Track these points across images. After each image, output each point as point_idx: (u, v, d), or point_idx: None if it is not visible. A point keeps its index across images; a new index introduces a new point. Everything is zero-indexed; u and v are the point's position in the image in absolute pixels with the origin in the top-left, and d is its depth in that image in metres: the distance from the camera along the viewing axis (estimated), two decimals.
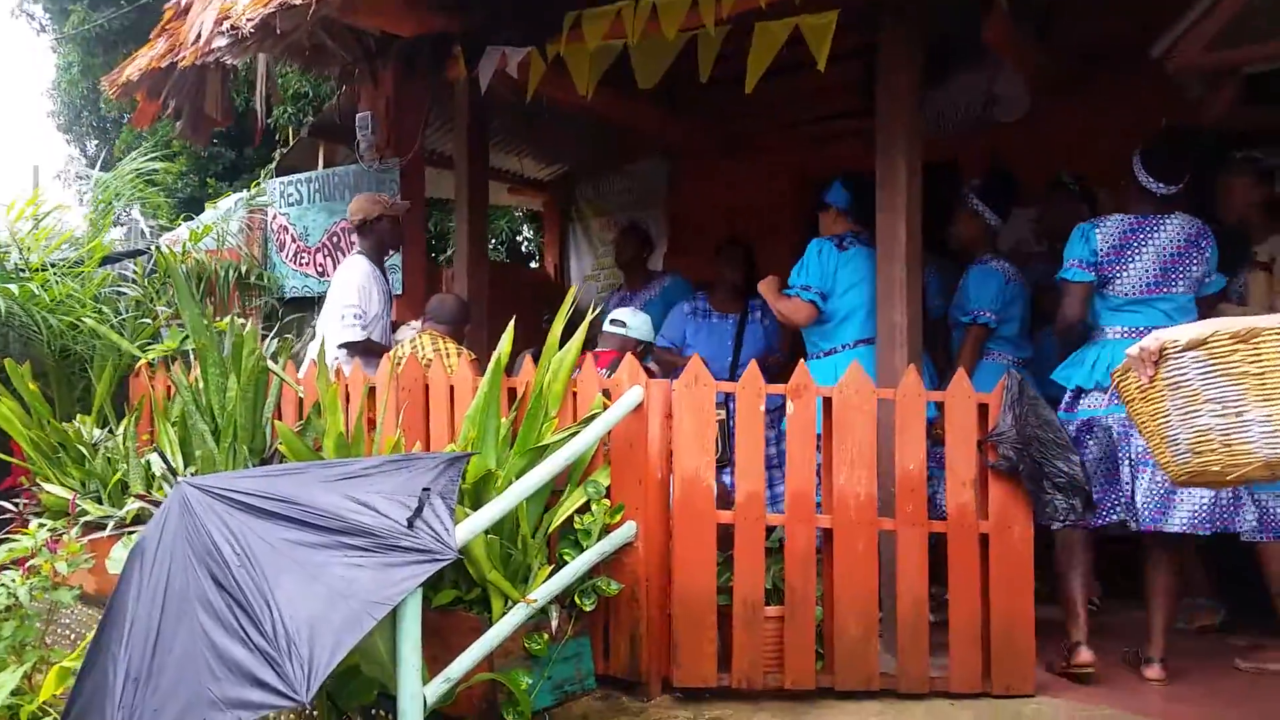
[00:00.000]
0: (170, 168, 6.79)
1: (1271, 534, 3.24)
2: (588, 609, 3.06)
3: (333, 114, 5.99)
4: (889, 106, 3.57)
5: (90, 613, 3.69)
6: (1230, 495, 3.17)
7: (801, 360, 3.38)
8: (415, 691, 2.46)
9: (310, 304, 5.79)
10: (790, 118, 5.77)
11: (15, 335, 4.88)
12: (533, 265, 9.73)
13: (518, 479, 2.97)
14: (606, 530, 3.10)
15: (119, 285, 5.36)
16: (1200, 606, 3.89)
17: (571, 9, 3.85)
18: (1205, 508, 3.17)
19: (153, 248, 5.74)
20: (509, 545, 3.02)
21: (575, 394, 3.31)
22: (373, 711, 2.75)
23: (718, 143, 6.16)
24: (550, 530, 3.13)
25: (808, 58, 3.54)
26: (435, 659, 2.66)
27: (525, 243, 10.61)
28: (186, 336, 4.36)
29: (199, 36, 4.13)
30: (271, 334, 4.93)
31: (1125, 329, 3.38)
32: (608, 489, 3.17)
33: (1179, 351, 1.98)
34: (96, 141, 15.01)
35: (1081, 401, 3.39)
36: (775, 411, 3.87)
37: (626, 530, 3.12)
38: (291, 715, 2.75)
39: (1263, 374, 1.90)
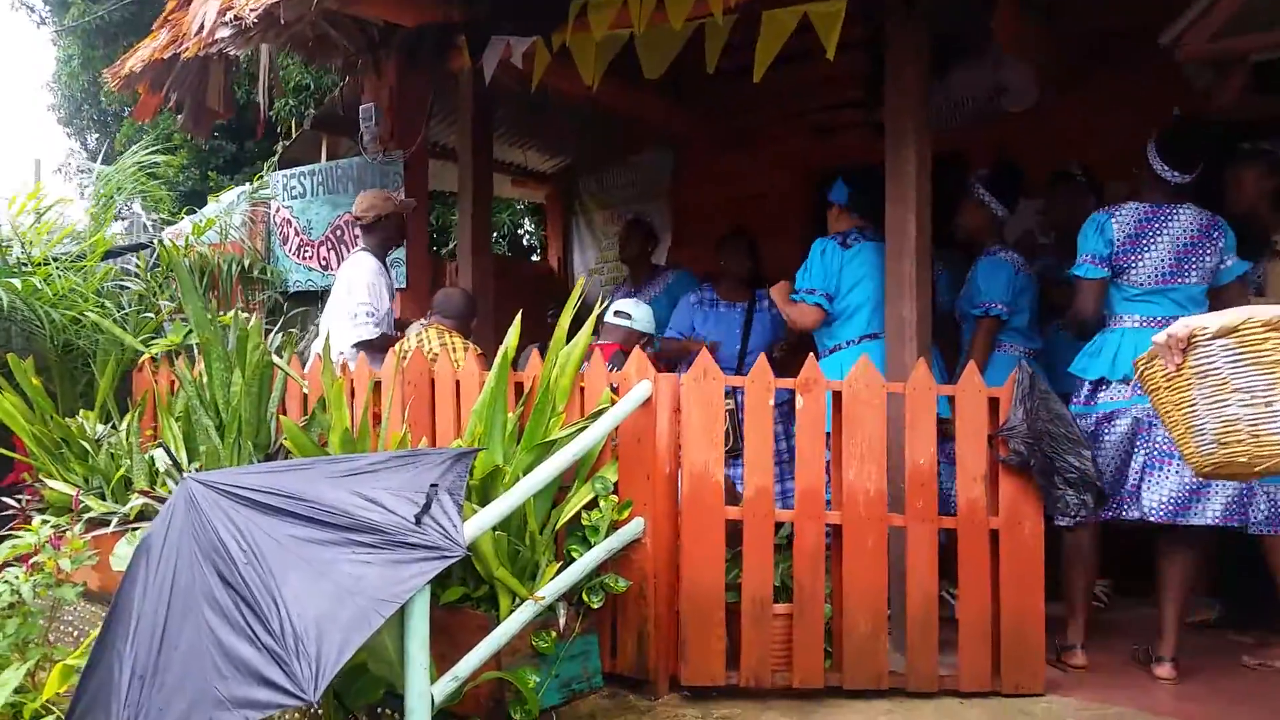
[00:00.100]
0: (172, 161, 6.77)
1: None
2: (595, 606, 3.03)
3: (335, 106, 5.95)
4: (898, 98, 3.54)
5: (94, 610, 3.67)
6: (1247, 487, 3.15)
7: (811, 354, 3.34)
8: (423, 690, 2.44)
9: (314, 298, 5.76)
10: (795, 109, 5.73)
11: (18, 330, 4.86)
12: (534, 259, 9.70)
13: (525, 475, 2.95)
14: (614, 526, 3.07)
15: (121, 280, 5.34)
16: (1198, 602, 3.86)
17: None
18: (1235, 500, 3.15)
19: (155, 242, 5.71)
20: (516, 542, 3.00)
21: (582, 388, 3.29)
22: (379, 710, 2.74)
23: (722, 134, 6.12)
24: (558, 526, 3.10)
25: (813, 48, 3.50)
26: (443, 657, 2.64)
27: (527, 236, 10.57)
28: (190, 331, 4.34)
29: (202, 27, 4.10)
30: (276, 328, 4.91)
31: (1142, 318, 3.35)
32: (615, 485, 3.15)
33: (1208, 339, 1.94)
34: (97, 135, 14.97)
35: (1102, 393, 3.35)
36: (782, 405, 3.85)
37: (634, 527, 3.10)
38: (298, 714, 2.73)
39: None
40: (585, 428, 3.09)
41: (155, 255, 5.52)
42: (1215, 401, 1.92)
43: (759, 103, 5.54)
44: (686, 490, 3.14)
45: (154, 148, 6.12)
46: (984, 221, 4.05)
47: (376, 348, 4.35)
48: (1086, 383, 3.40)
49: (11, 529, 3.62)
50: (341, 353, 4.25)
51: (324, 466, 2.67)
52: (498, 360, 3.22)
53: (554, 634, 2.93)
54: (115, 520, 3.77)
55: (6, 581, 2.92)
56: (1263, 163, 3.65)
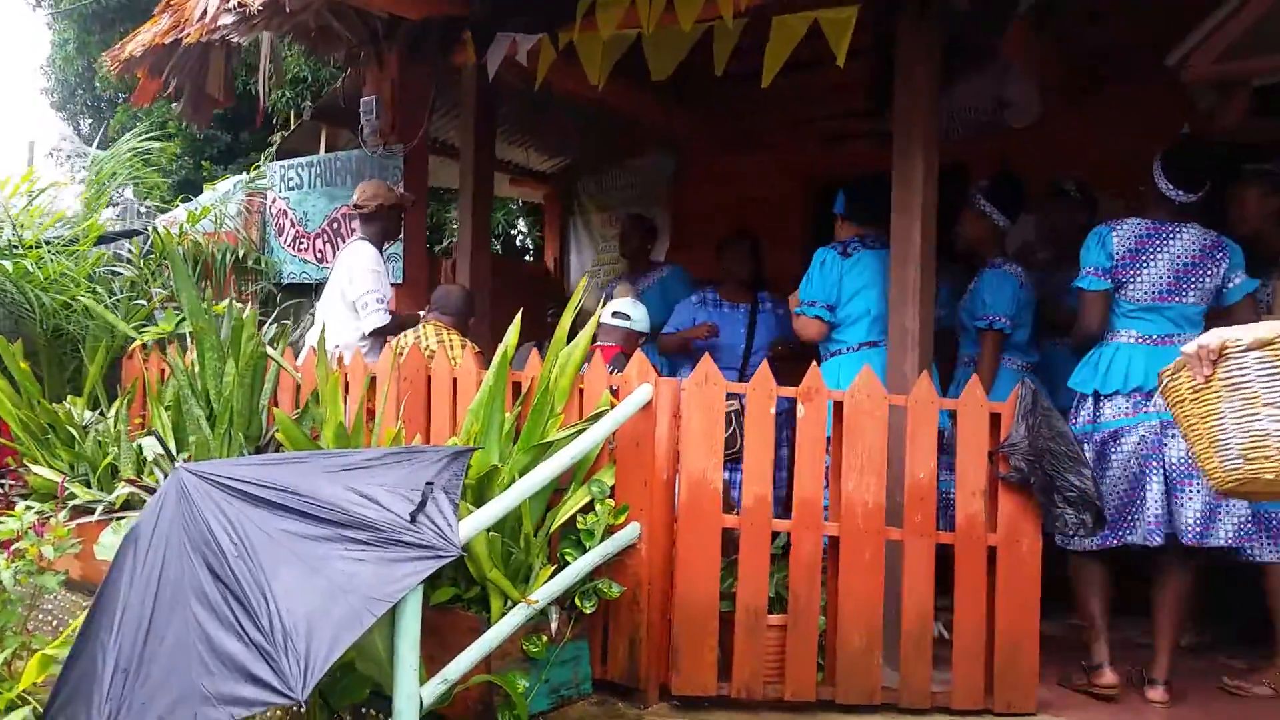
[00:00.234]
0: (168, 147, 6.70)
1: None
2: (588, 611, 2.99)
3: (336, 97, 5.91)
4: (907, 105, 3.51)
5: (74, 599, 3.61)
6: (1253, 512, 3.14)
7: (815, 362, 3.32)
8: (412, 692, 2.39)
9: (308, 290, 5.71)
10: (798, 116, 5.72)
11: (6, 313, 4.79)
12: (527, 259, 9.65)
13: (521, 476, 2.90)
14: (610, 531, 3.03)
15: (114, 265, 5.27)
16: (1191, 626, 3.85)
17: None
18: (1248, 520, 3.13)
19: (149, 228, 5.65)
20: (510, 543, 2.95)
21: (581, 390, 3.25)
22: (364, 710, 2.69)
23: (724, 139, 6.11)
24: (552, 529, 3.06)
25: (818, 55, 3.48)
26: (432, 658, 2.59)
27: (520, 237, 10.53)
28: (182, 319, 4.28)
29: (205, 13, 4.05)
30: (270, 320, 4.85)
31: (1137, 334, 3.34)
32: (612, 489, 3.10)
33: (1241, 351, 1.90)
34: (91, 120, 14.85)
35: (1104, 411, 3.33)
36: (781, 414, 3.82)
37: (630, 532, 3.05)
38: (280, 712, 2.67)
39: None
40: (584, 430, 3.05)
41: (149, 242, 5.46)
42: (1244, 415, 1.88)
43: (762, 108, 5.52)
44: (684, 496, 3.10)
45: (149, 135, 6.06)
46: (985, 232, 4.03)
47: (393, 329, 4.33)
48: (1088, 400, 3.38)
49: None
50: (338, 346, 4.20)
51: (319, 460, 2.62)
52: (497, 358, 3.18)
53: (545, 638, 2.88)
54: (100, 508, 3.71)
55: None
56: (1265, 183, 3.65)
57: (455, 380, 3.50)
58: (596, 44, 3.90)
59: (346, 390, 3.73)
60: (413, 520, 2.35)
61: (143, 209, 6.49)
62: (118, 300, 4.97)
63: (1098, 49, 4.64)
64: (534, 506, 3.03)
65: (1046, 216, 4.41)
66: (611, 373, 3.29)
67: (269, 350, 3.86)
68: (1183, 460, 3.18)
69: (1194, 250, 3.33)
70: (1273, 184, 3.66)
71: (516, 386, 3.34)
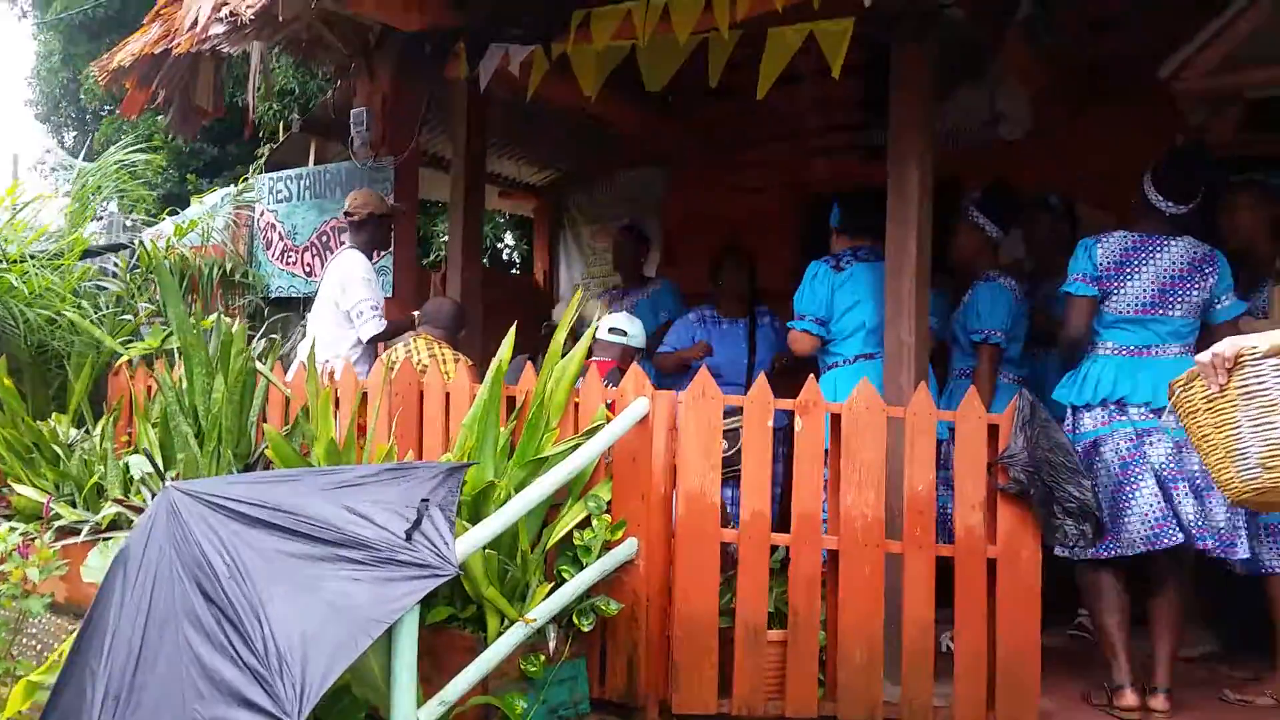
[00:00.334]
0: (154, 160, 6.63)
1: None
2: (586, 629, 2.95)
3: (325, 110, 5.87)
4: (902, 118, 3.49)
5: (59, 622, 3.54)
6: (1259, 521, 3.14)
7: (812, 376, 3.29)
8: (409, 715, 2.34)
9: (296, 304, 5.65)
10: (789, 129, 5.71)
11: None
12: (514, 272, 9.61)
13: (517, 491, 2.86)
14: (607, 547, 2.99)
15: (100, 280, 5.21)
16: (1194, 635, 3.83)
17: (580, 8, 3.76)
18: (1252, 532, 3.13)
19: (135, 242, 5.59)
20: (506, 561, 2.91)
21: (577, 404, 3.21)
22: None
23: (714, 152, 6.08)
24: (549, 546, 3.02)
25: (810, 68, 3.47)
26: (427, 679, 2.54)
27: (507, 250, 10.50)
28: (169, 334, 4.22)
29: (196, 23, 4.01)
30: (258, 334, 4.80)
31: (1116, 345, 3.34)
32: (609, 504, 3.07)
33: (1258, 359, 1.88)
34: (75, 133, 14.75)
35: (1084, 422, 3.33)
36: (778, 431, 3.79)
37: (628, 548, 3.02)
38: None
39: None
40: (580, 444, 3.01)
41: (135, 256, 5.40)
42: (1262, 424, 1.86)
43: (753, 122, 5.51)
44: (682, 512, 3.07)
45: (136, 147, 6.00)
46: (978, 244, 4.03)
47: (386, 338, 4.32)
48: (1069, 411, 3.38)
49: None
50: (328, 360, 4.15)
51: (312, 478, 2.58)
52: (491, 372, 3.14)
53: (543, 657, 2.83)
54: (86, 529, 3.63)
55: None
56: (1252, 192, 3.66)
57: (448, 395, 3.46)
58: (590, 55, 3.88)
59: (337, 405, 3.68)
60: (408, 538, 2.30)
61: (128, 223, 6.41)
62: (103, 315, 4.91)
63: (1092, 62, 4.64)
64: (530, 523, 2.99)
65: (1029, 229, 4.42)
66: (608, 387, 3.26)
67: (258, 365, 3.80)
68: (1166, 464, 3.20)
69: (1182, 264, 3.31)
70: (1262, 194, 3.67)
71: (510, 401, 3.30)
